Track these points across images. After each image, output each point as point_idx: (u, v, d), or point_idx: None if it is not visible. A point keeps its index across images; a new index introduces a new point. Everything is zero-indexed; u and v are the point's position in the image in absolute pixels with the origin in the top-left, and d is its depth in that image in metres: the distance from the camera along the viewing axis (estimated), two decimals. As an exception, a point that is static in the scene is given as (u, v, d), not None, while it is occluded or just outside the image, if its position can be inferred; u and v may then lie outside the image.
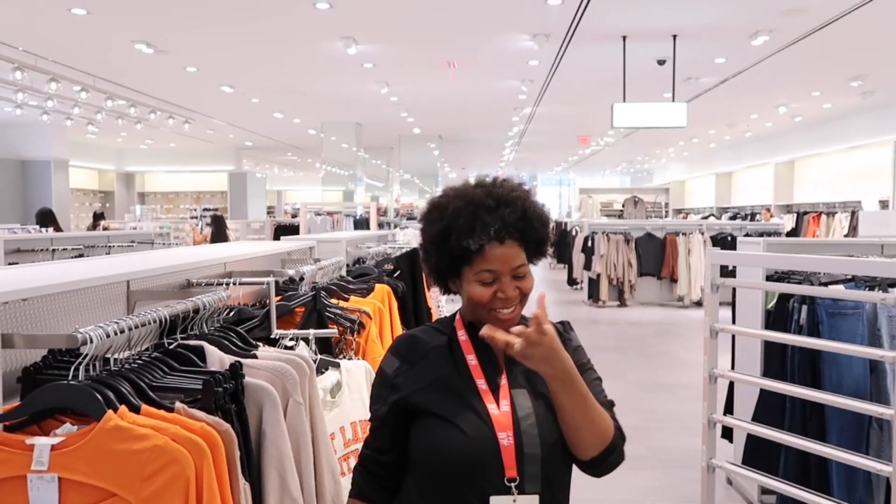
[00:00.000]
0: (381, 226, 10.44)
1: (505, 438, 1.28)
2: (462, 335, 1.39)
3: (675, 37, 7.84)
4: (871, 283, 2.95)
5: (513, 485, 1.27)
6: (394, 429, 1.36)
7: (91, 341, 1.19)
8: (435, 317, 4.11)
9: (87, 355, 1.20)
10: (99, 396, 1.15)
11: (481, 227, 1.31)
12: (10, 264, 4.41)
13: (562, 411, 1.28)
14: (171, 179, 20.05)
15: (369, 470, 1.40)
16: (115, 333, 1.25)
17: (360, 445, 2.03)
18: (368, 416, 2.06)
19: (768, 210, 16.44)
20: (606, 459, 1.31)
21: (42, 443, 1.11)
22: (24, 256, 4.50)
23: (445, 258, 1.35)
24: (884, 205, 11.87)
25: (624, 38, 7.88)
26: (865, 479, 2.83)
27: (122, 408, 1.15)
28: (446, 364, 1.36)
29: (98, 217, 13.08)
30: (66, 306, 1.44)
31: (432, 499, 1.32)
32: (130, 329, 1.31)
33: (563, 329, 1.44)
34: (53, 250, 4.69)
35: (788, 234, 12.76)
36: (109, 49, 8.43)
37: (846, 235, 12.15)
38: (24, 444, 1.11)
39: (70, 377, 1.19)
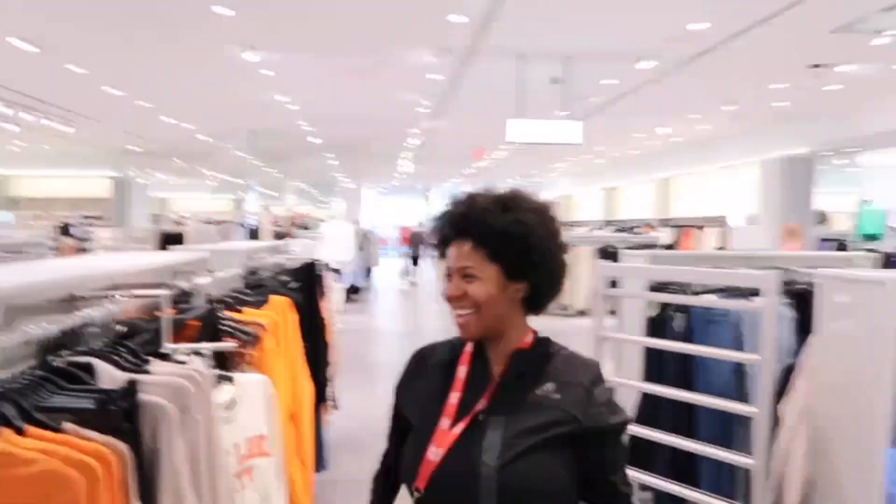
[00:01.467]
0: (275, 236, 10.23)
1: (433, 454, 1.27)
2: (469, 346, 1.39)
3: (568, 58, 8.23)
4: (738, 293, 3.23)
5: (417, 495, 1.26)
6: (397, 440, 1.41)
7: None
8: (329, 328, 4.08)
9: (-36, 376, 1.13)
10: (-22, 419, 1.09)
11: (439, 223, 1.39)
12: None
13: None
14: (46, 184, 18.69)
15: (387, 480, 1.44)
16: (-3, 352, 1.19)
17: (254, 462, 2.02)
18: (264, 431, 2.06)
19: (649, 225, 17.47)
20: None
21: (-87, 471, 1.04)
22: None
23: (444, 260, 1.40)
24: (751, 220, 12.91)
25: (520, 56, 8.19)
26: (730, 472, 3.08)
27: (6, 431, 1.09)
28: (439, 381, 1.37)
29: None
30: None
31: None
32: (15, 347, 1.24)
33: (593, 375, 1.35)
34: None
35: (667, 247, 13.59)
36: (-23, 43, 7.80)
37: (717, 248, 13.10)
38: None
39: (-55, 399, 1.12)
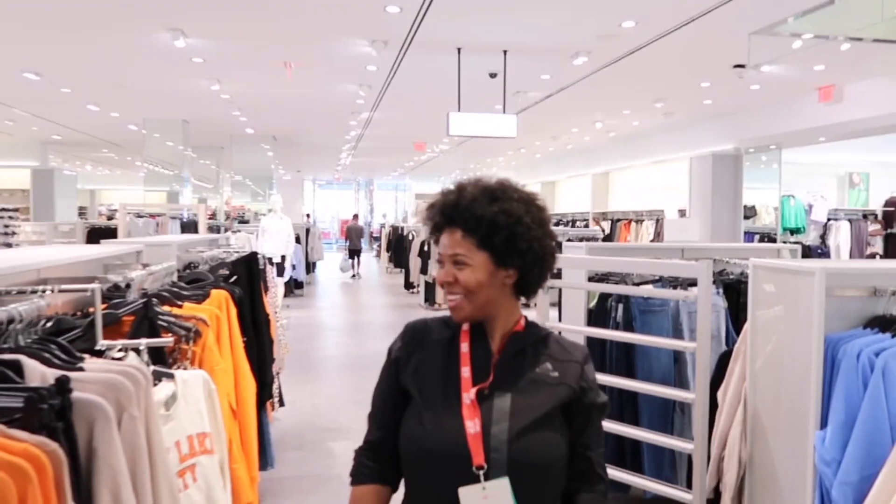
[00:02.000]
0: (210, 229, 9.95)
1: (472, 427, 1.31)
2: (465, 326, 1.44)
3: (505, 52, 8.29)
4: (675, 283, 3.33)
5: (481, 472, 1.28)
6: (393, 407, 1.44)
7: None
8: (273, 324, 4.00)
9: None
10: None
11: (429, 211, 1.45)
12: None
13: None
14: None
15: (382, 452, 1.45)
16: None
17: (196, 460, 1.95)
18: (206, 428, 2.00)
19: (595, 220, 17.89)
20: None
21: None
22: None
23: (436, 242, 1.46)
24: (682, 213, 13.35)
25: (459, 49, 8.20)
26: (671, 457, 3.18)
27: (-75, 433, 1.02)
28: (442, 357, 1.42)
29: None
30: None
31: (418, 489, 1.37)
32: (-67, 344, 1.16)
33: (575, 352, 1.45)
34: None
35: (604, 240, 13.92)
36: None
37: (652, 240, 13.51)
38: None
39: None
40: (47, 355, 1.46)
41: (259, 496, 2.54)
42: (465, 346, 1.42)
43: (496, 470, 1.29)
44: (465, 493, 1.28)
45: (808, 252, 9.30)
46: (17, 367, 1.32)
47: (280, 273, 9.83)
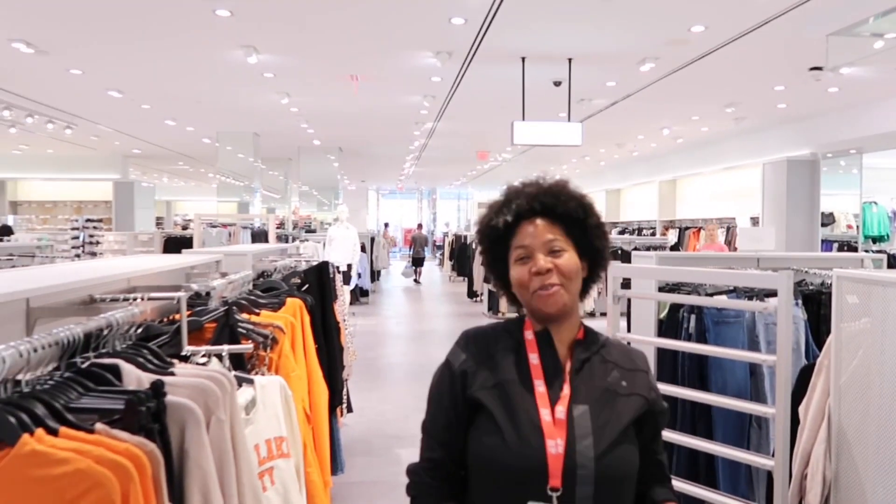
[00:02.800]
0: (279, 238, 10.23)
1: (553, 447, 1.27)
2: (529, 335, 1.40)
3: (570, 60, 8.24)
4: (750, 294, 3.23)
5: (555, 495, 1.24)
6: (458, 424, 1.37)
7: (3, 362, 1.13)
8: (343, 331, 4.09)
9: (-2, 377, 1.13)
10: (12, 419, 1.09)
11: (506, 205, 1.42)
12: None
13: None
14: (49, 188, 18.69)
15: (446, 472, 1.38)
16: (29, 353, 1.19)
17: (274, 463, 2.01)
18: (283, 433, 2.06)
19: (666, 228, 17.51)
20: None
21: (-52, 471, 1.03)
22: None
23: (488, 247, 1.44)
24: (755, 221, 12.90)
25: (523, 59, 8.19)
26: (747, 473, 3.08)
27: (39, 431, 1.09)
28: (512, 368, 1.36)
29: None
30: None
31: (479, 499, 1.34)
32: (44, 348, 1.24)
33: (638, 360, 1.43)
34: (-80, 264, 4.29)
35: (672, 248, 13.61)
36: (-18, 47, 7.81)
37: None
38: (-74, 475, 1.04)
39: (-21, 401, 1.12)
40: (141, 360, 1.53)
41: (330, 500, 2.60)
42: (534, 358, 1.37)
43: (583, 486, 1.25)
44: None
45: (893, 262, 8.84)
46: (116, 371, 1.41)
47: (346, 281, 10.02)
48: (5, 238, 9.67)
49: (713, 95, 10.33)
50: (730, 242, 12.95)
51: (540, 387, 1.33)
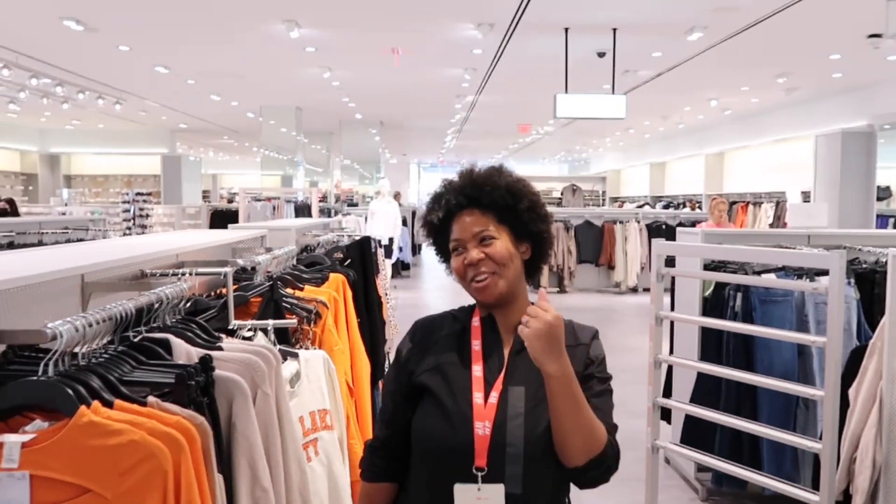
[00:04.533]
0: (322, 212, 10.35)
1: (481, 428, 1.30)
2: (475, 321, 1.43)
3: (615, 30, 8.04)
4: (800, 272, 3.14)
5: (480, 474, 1.28)
6: (405, 410, 1.42)
7: (61, 336, 1.17)
8: (385, 305, 4.13)
9: (55, 351, 1.18)
10: (70, 392, 1.13)
11: (437, 200, 1.45)
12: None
13: (553, 412, 1.27)
14: (100, 162, 19.23)
15: (390, 450, 1.46)
16: (85, 328, 1.23)
17: (318, 435, 2.06)
18: (326, 405, 2.10)
19: (691, 201, 17.14)
20: (589, 472, 1.29)
21: (12, 440, 1.08)
22: (-50, 244, 4.28)
23: (432, 240, 1.47)
24: (806, 196, 12.50)
25: (566, 29, 8.03)
26: (793, 454, 3.03)
27: (95, 403, 1.13)
28: (453, 352, 1.41)
29: (9, 203, 12.49)
30: (21, 300, 1.40)
31: (420, 479, 1.39)
32: (99, 323, 1.29)
33: (582, 335, 1.42)
34: (-19, 238, 4.48)
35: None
36: (36, 25, 8.01)
37: (771, 225, 12.75)
38: (-8, 442, 1.09)
39: (40, 373, 1.16)
40: (190, 334, 1.57)
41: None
42: (476, 344, 1.40)
43: (512, 465, 1.28)
44: (459, 489, 1.29)
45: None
46: (167, 346, 1.45)
47: (388, 255, 10.10)
48: (58, 210, 10.01)
49: (764, 65, 9.97)
50: (779, 217, 12.59)
51: (477, 371, 1.36)
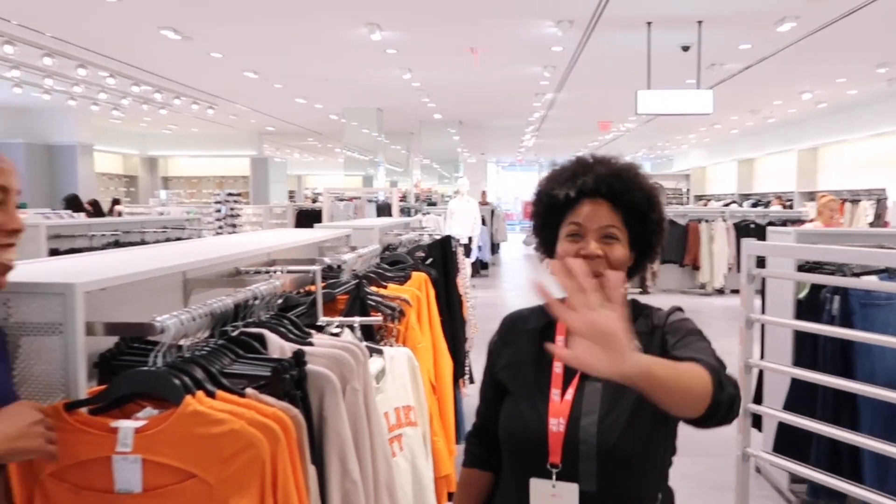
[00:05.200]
0: (402, 211, 10.50)
1: (555, 425, 1.28)
2: None
3: (700, 23, 7.78)
4: (905, 275, 2.95)
5: (554, 471, 1.27)
6: (493, 401, 1.44)
7: (168, 329, 1.25)
8: (465, 304, 4.16)
9: (164, 343, 1.26)
10: (177, 382, 1.21)
11: (572, 178, 1.34)
12: (51, 249, 4.54)
13: (651, 397, 1.08)
14: (194, 164, 20.25)
15: (484, 439, 1.49)
16: (189, 322, 1.31)
17: (402, 430, 2.10)
18: (410, 402, 2.14)
19: (779, 198, 16.33)
20: (709, 420, 1.14)
21: (126, 426, 1.16)
22: (64, 242, 4.62)
23: (541, 212, 1.40)
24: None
25: (648, 24, 7.83)
26: (897, 468, 2.85)
27: (200, 393, 1.20)
28: (534, 348, 1.39)
29: (114, 202, 13.36)
30: (130, 295, 1.50)
31: (506, 472, 1.41)
32: (201, 317, 1.36)
33: (657, 317, 1.36)
34: (92, 236, 4.81)
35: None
36: (136, 35, 8.52)
37: (871, 224, 12.01)
38: (109, 427, 1.17)
39: (150, 364, 1.25)
40: (283, 330, 1.64)
41: (455, 468, 2.68)
42: (561, 340, 1.36)
43: (586, 462, 1.25)
44: (535, 483, 1.29)
45: None
46: (262, 340, 1.52)
47: (467, 254, 10.14)
48: (157, 210, 10.61)
49: (862, 54, 9.40)
50: (879, 216, 11.84)
51: (558, 368, 1.34)
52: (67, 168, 14.55)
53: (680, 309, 1.40)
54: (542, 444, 1.29)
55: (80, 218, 6.76)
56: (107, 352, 1.34)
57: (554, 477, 1.27)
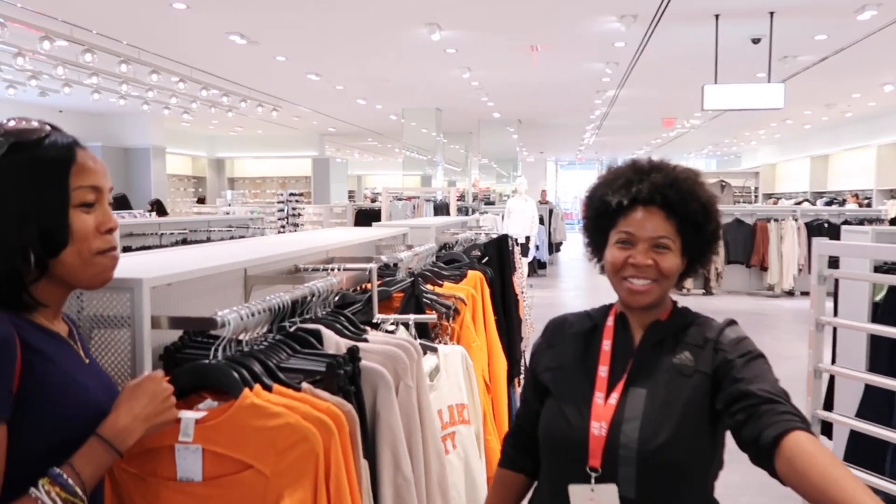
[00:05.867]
0: (460, 210, 10.52)
1: (597, 428, 1.27)
2: (609, 321, 1.39)
3: (771, 14, 7.50)
4: None
5: (594, 475, 1.25)
6: (533, 403, 1.44)
7: (229, 324, 1.29)
8: (521, 304, 4.13)
9: (224, 337, 1.30)
10: (236, 375, 1.24)
11: (626, 185, 1.32)
12: (124, 247, 4.76)
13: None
14: (258, 165, 20.83)
15: (520, 440, 1.49)
16: (248, 317, 1.35)
17: (455, 428, 2.10)
18: (464, 400, 2.14)
19: (855, 196, 15.56)
20: None
21: (188, 416, 1.21)
22: (136, 240, 4.83)
23: (592, 216, 1.39)
24: None
25: (716, 16, 7.60)
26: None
27: (257, 386, 1.24)
28: (579, 350, 1.39)
29: (200, 201, 13.91)
30: (194, 290, 1.55)
31: (545, 475, 1.40)
32: (260, 313, 1.40)
33: (710, 331, 1.30)
34: (161, 234, 5.02)
35: (892, 222, 12.01)
36: (205, 41, 8.82)
37: (958, 223, 11.32)
38: (172, 417, 1.22)
39: (210, 357, 1.29)
40: (339, 326, 1.67)
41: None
42: (607, 344, 1.35)
43: (625, 467, 1.23)
44: (574, 489, 1.27)
45: None
46: (318, 336, 1.55)
47: (524, 253, 10.08)
48: (223, 210, 10.97)
49: (951, 43, 8.86)
50: (968, 214, 11.15)
51: (603, 371, 1.32)
52: (142, 170, 15.21)
53: (735, 322, 1.35)
54: (582, 447, 1.27)
55: (152, 217, 7.06)
56: (171, 345, 1.40)
57: (593, 480, 1.26)
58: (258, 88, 11.77)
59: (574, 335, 1.42)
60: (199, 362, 1.28)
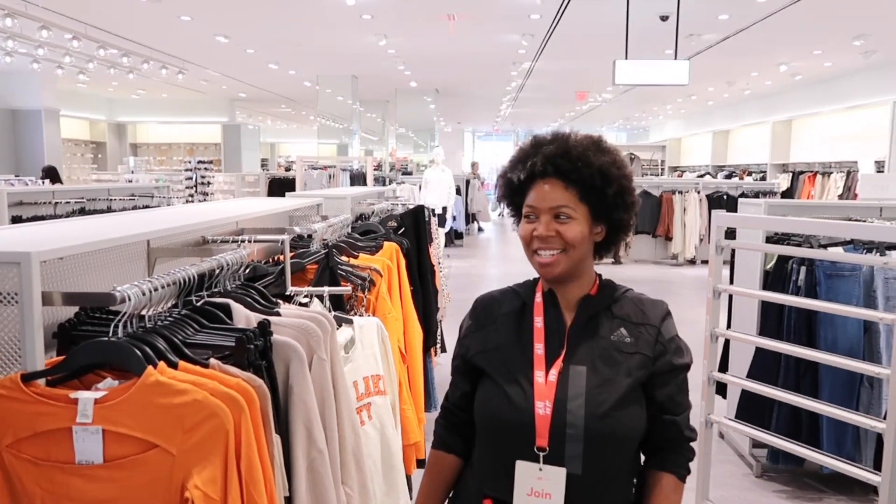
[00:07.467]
0: (377, 180, 10.42)
1: (542, 408, 1.28)
2: (538, 297, 1.39)
3: (679, -8, 7.73)
4: (870, 246, 3.02)
5: (541, 454, 1.27)
6: (463, 385, 1.44)
7: (129, 299, 1.23)
8: (438, 274, 4.16)
9: (125, 313, 1.24)
10: (138, 353, 1.19)
11: (523, 161, 1.35)
12: (14, 217, 4.43)
13: None
14: (164, 130, 19.82)
15: (450, 421, 1.49)
16: (151, 291, 1.29)
17: (371, 399, 2.10)
18: (379, 371, 2.14)
19: (744, 171, 16.60)
20: None
21: (86, 397, 1.15)
22: (27, 209, 4.51)
23: (507, 195, 1.41)
24: (880, 166, 11.90)
25: (627, -8, 7.77)
26: (854, 434, 2.95)
27: (161, 363, 1.19)
28: (512, 330, 1.38)
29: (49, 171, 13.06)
30: (92, 264, 1.47)
31: (483, 456, 1.39)
32: (164, 287, 1.34)
33: (652, 313, 1.36)
34: (56, 203, 4.70)
35: (784, 195, 12.82)
36: (102, -4, 8.23)
37: (841, 196, 12.22)
38: (69, 398, 1.15)
39: (110, 334, 1.23)
40: (249, 300, 1.62)
41: (424, 436, 2.70)
42: (539, 321, 1.36)
43: (572, 445, 1.26)
44: (521, 466, 1.28)
45: None
46: (227, 310, 1.50)
47: (441, 224, 10.13)
48: (125, 178, 10.39)
49: (839, 27, 9.45)
50: (849, 189, 12.04)
51: (539, 349, 1.33)
52: (33, 134, 14.14)
53: (670, 313, 1.39)
54: (528, 427, 1.28)
55: (45, 185, 6.60)
56: (66, 322, 1.32)
57: (541, 460, 1.27)
58: (162, 49, 11.13)
59: (505, 315, 1.41)
60: (96, 340, 1.22)
